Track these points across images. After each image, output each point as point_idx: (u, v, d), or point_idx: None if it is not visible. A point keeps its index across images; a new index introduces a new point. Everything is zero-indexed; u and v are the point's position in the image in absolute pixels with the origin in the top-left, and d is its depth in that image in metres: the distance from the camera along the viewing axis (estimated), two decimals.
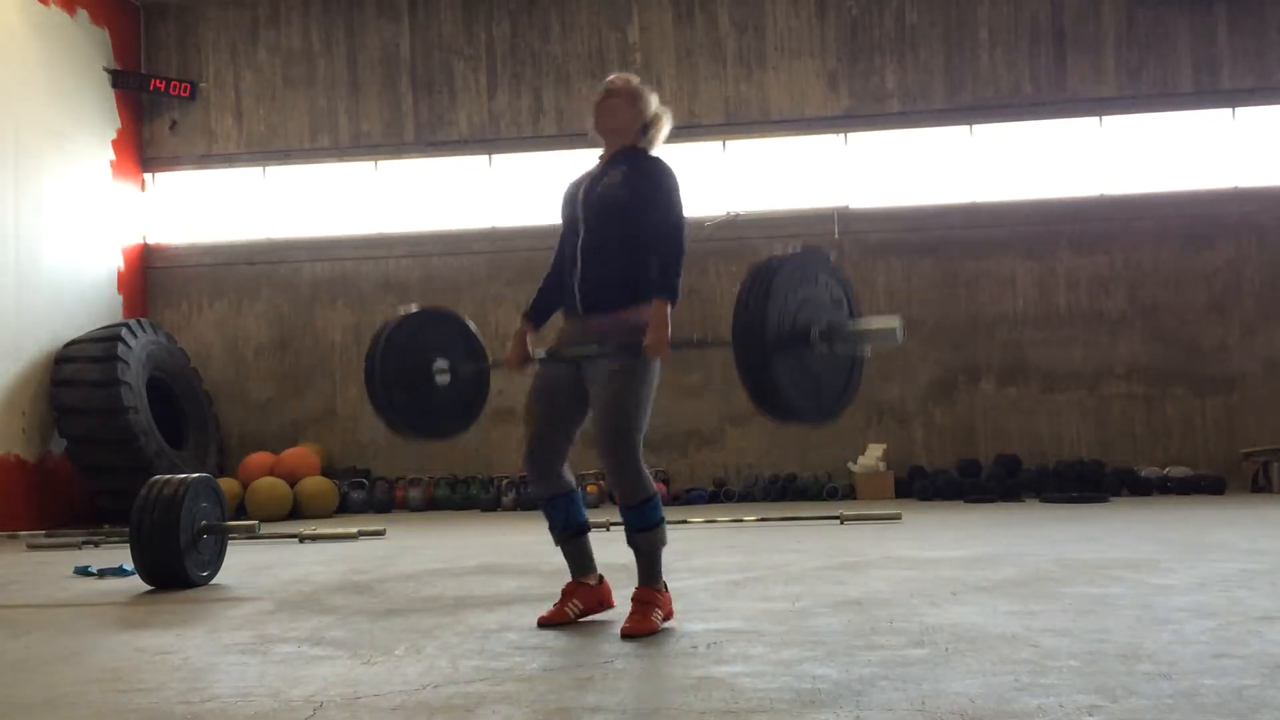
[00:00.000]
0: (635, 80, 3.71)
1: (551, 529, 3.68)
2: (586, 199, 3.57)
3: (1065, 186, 10.37)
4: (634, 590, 3.46)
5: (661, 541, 3.48)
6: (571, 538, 3.66)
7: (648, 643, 3.22)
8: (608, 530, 6.62)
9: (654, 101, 3.70)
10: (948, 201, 10.45)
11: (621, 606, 3.81)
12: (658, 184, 3.50)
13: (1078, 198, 10.32)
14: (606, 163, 3.64)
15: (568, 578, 3.75)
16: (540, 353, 3.66)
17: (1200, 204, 10.15)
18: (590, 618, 3.63)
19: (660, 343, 3.39)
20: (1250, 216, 10.12)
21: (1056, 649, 2.95)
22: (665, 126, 3.70)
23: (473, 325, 4.01)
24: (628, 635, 3.29)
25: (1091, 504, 8.60)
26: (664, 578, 3.53)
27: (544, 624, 3.57)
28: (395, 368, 3.72)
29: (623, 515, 3.48)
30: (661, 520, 3.48)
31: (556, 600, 3.68)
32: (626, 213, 3.49)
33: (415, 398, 3.77)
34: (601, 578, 3.74)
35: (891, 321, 3.21)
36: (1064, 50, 10.40)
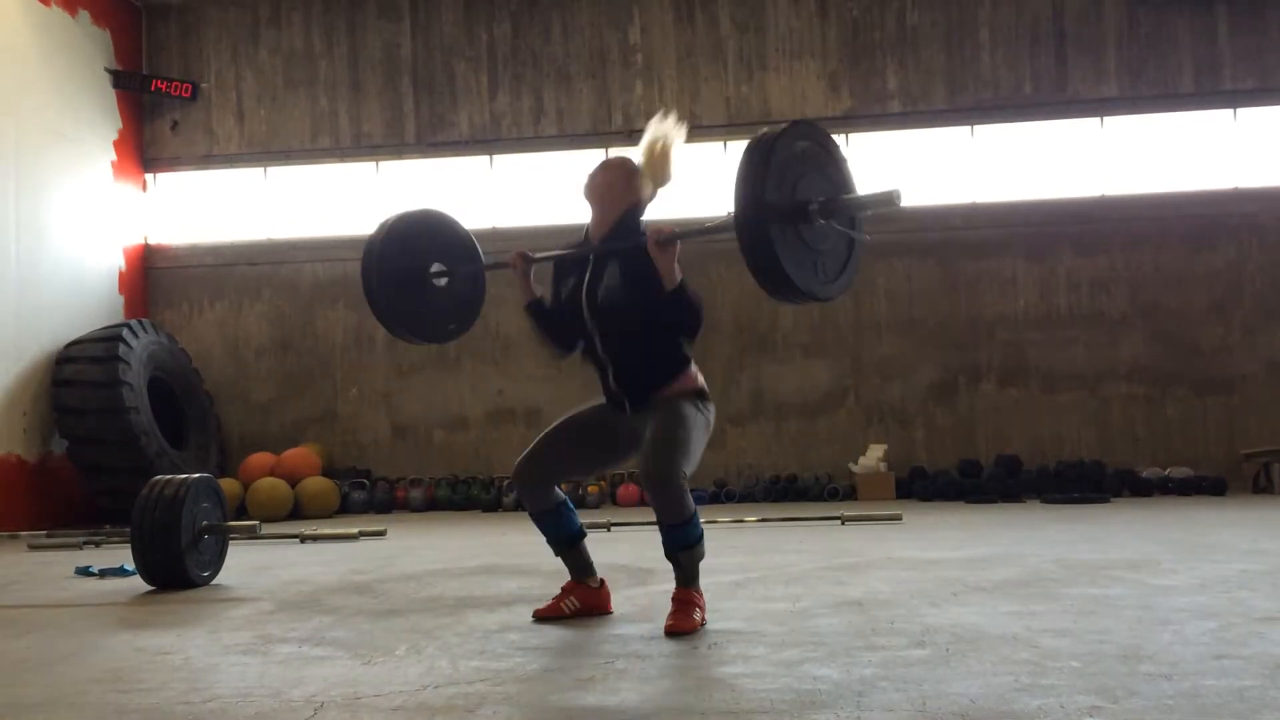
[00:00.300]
0: (632, 161, 3.64)
1: (547, 542, 3.71)
2: (590, 303, 3.50)
3: (1066, 187, 10.37)
4: (674, 591, 3.47)
5: (701, 555, 3.47)
6: (569, 547, 3.68)
7: (649, 644, 3.22)
8: (608, 530, 6.63)
9: (649, 188, 3.62)
10: (949, 202, 10.45)
11: (623, 607, 3.82)
12: (639, 265, 3.43)
13: (1079, 198, 10.32)
14: (600, 252, 3.53)
15: (565, 578, 3.77)
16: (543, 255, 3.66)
17: (1201, 205, 10.15)
18: (588, 618, 3.64)
19: (663, 229, 3.37)
20: (1251, 217, 10.12)
21: (1057, 650, 2.95)
22: (672, 167, 3.62)
23: (466, 228, 4.00)
24: (671, 633, 3.31)
25: (1092, 505, 8.60)
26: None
27: (539, 618, 3.60)
28: (392, 268, 3.72)
29: (662, 531, 3.43)
30: (701, 536, 3.45)
31: (555, 595, 3.70)
32: (634, 309, 3.45)
33: (413, 298, 3.78)
34: (603, 581, 3.76)
35: (889, 189, 3.18)
36: (1065, 51, 10.40)
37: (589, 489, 9.69)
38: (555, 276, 3.69)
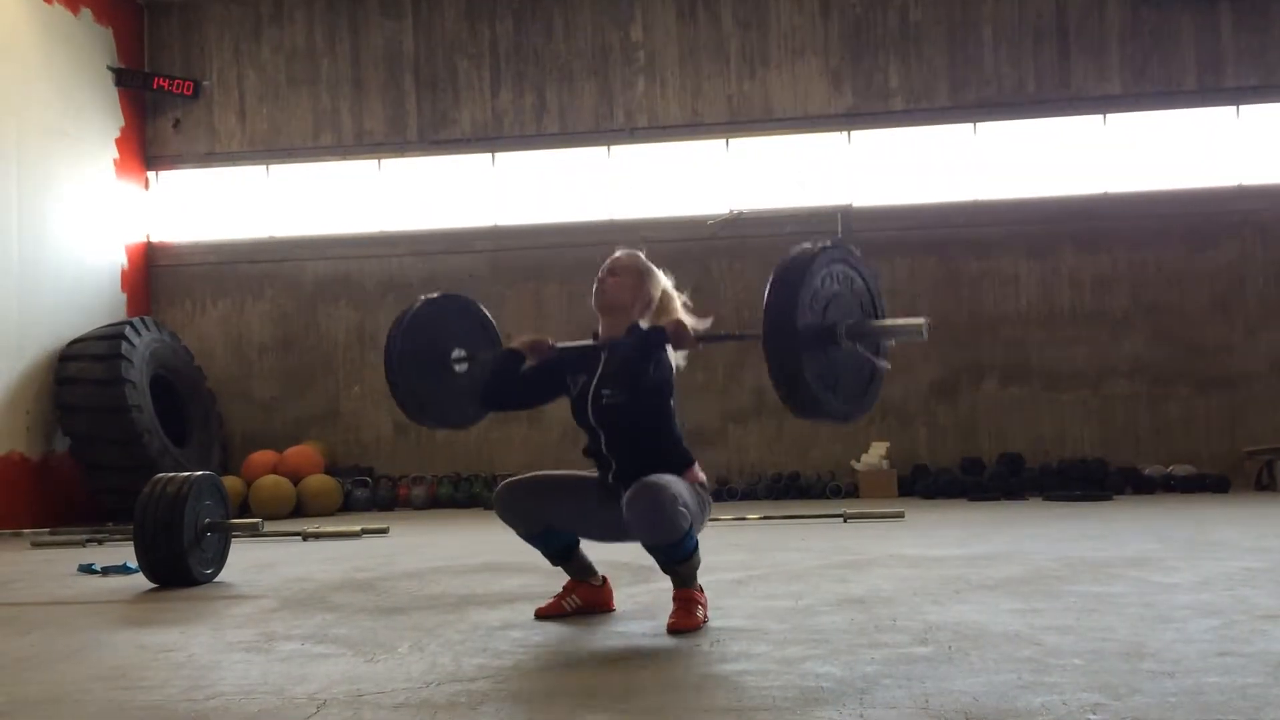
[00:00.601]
0: (643, 257, 3.60)
1: (544, 555, 3.70)
2: (595, 403, 3.47)
3: (1069, 185, 10.36)
4: (674, 590, 3.44)
5: (697, 563, 3.44)
6: (565, 558, 3.68)
7: (653, 641, 3.22)
8: None
9: (662, 281, 3.59)
10: (951, 200, 10.44)
11: (624, 605, 3.83)
12: (630, 357, 3.43)
13: (1081, 196, 10.31)
14: (605, 352, 3.50)
15: (567, 576, 3.77)
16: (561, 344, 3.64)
17: (1204, 202, 10.14)
18: (590, 616, 3.64)
19: (684, 329, 3.41)
20: (1254, 215, 10.10)
21: (1060, 647, 2.94)
22: (675, 309, 3.58)
23: (489, 315, 3.99)
24: (674, 631, 3.30)
25: (1095, 502, 8.59)
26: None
27: (541, 616, 3.60)
28: (414, 353, 3.73)
29: (657, 554, 3.38)
30: (696, 546, 3.39)
31: (556, 593, 3.70)
32: (635, 413, 3.44)
33: (433, 384, 3.78)
34: (605, 579, 3.76)
35: (916, 320, 3.22)
36: (1068, 48, 10.38)
37: None
38: (564, 361, 3.61)
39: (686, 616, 3.37)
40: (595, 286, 3.55)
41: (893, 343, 3.37)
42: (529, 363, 3.64)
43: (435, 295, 3.92)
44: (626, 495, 3.30)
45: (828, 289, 3.16)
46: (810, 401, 3.09)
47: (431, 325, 3.80)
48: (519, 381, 3.63)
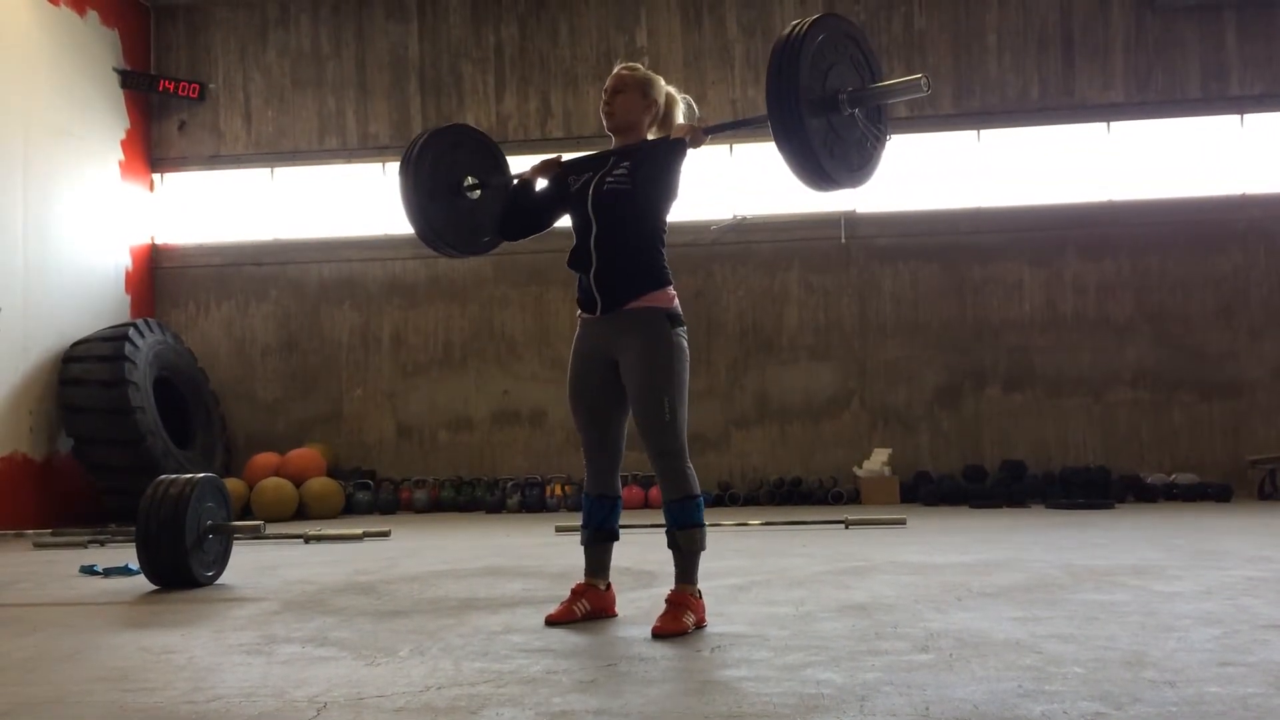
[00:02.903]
0: (643, 69, 3.69)
1: (585, 526, 3.71)
2: (595, 194, 3.57)
3: (1073, 192, 10.36)
4: (669, 592, 3.50)
5: (701, 544, 3.51)
6: (601, 541, 3.71)
7: (652, 647, 3.22)
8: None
9: (664, 88, 3.69)
10: (955, 206, 10.44)
11: (626, 610, 3.82)
12: (657, 158, 3.55)
13: (1085, 203, 10.31)
14: (617, 155, 3.63)
15: (572, 580, 3.77)
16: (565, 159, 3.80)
17: (1208, 210, 10.14)
18: (595, 621, 3.65)
19: (695, 132, 3.55)
20: (1258, 223, 10.10)
21: (1061, 655, 2.94)
22: (679, 113, 3.71)
23: (497, 145, 4.06)
24: (658, 634, 3.32)
25: (1097, 510, 8.58)
26: (699, 584, 3.55)
27: (551, 622, 3.60)
28: (427, 180, 3.77)
29: (665, 510, 3.51)
30: (703, 523, 3.51)
31: (564, 599, 3.70)
32: (635, 202, 3.52)
33: (446, 209, 3.82)
34: (609, 585, 3.76)
35: (915, 76, 3.31)
36: (1072, 56, 10.38)
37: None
38: (569, 170, 3.74)
39: (673, 621, 3.38)
40: (603, 108, 3.67)
41: (898, 100, 3.47)
42: (540, 184, 3.81)
43: (443, 126, 4.01)
44: (641, 431, 3.47)
45: (827, 59, 3.25)
46: (815, 168, 3.21)
47: (442, 153, 3.85)
48: (532, 205, 3.80)
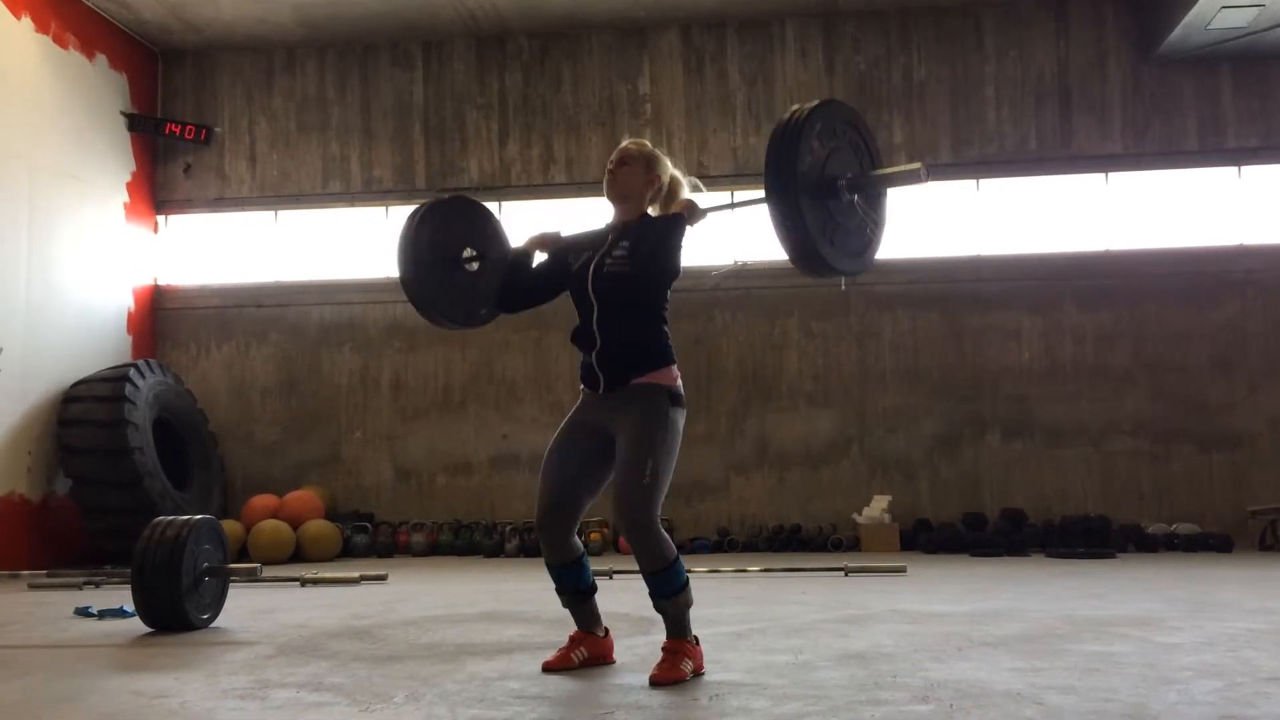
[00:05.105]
0: (649, 146, 3.70)
1: (560, 593, 3.68)
2: (596, 274, 3.55)
3: (1071, 242, 10.42)
4: (664, 641, 3.47)
5: (687, 603, 3.46)
6: (581, 600, 3.67)
7: (650, 695, 3.20)
8: (610, 578, 6.60)
9: (670, 169, 3.69)
10: (954, 255, 10.49)
11: (623, 657, 3.80)
12: (656, 236, 3.54)
13: (1083, 253, 10.37)
14: (616, 234, 3.62)
15: (569, 627, 3.75)
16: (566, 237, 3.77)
17: (1205, 261, 10.19)
18: (590, 668, 3.62)
19: (695, 207, 3.54)
20: (1255, 274, 10.15)
21: (1061, 707, 2.92)
22: (683, 193, 3.69)
23: (497, 218, 4.08)
24: (655, 683, 3.28)
25: (1098, 560, 8.54)
26: (693, 631, 3.52)
27: (548, 669, 3.57)
28: (426, 251, 3.78)
29: (646, 582, 3.45)
30: (686, 583, 3.45)
31: (562, 645, 3.67)
32: (636, 283, 3.52)
33: (444, 281, 3.83)
34: (607, 631, 3.74)
35: (914, 165, 3.32)
36: (1070, 108, 10.50)
37: (591, 536, 9.64)
38: (569, 249, 3.72)
39: (670, 669, 3.35)
40: (606, 178, 3.66)
41: (896, 187, 3.46)
42: (539, 257, 3.79)
43: (445, 196, 4.04)
44: (615, 502, 3.38)
45: (826, 144, 3.27)
46: (813, 255, 3.21)
47: (443, 225, 3.86)
48: (531, 279, 3.77)
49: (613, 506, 3.48)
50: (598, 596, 3.71)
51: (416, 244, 3.74)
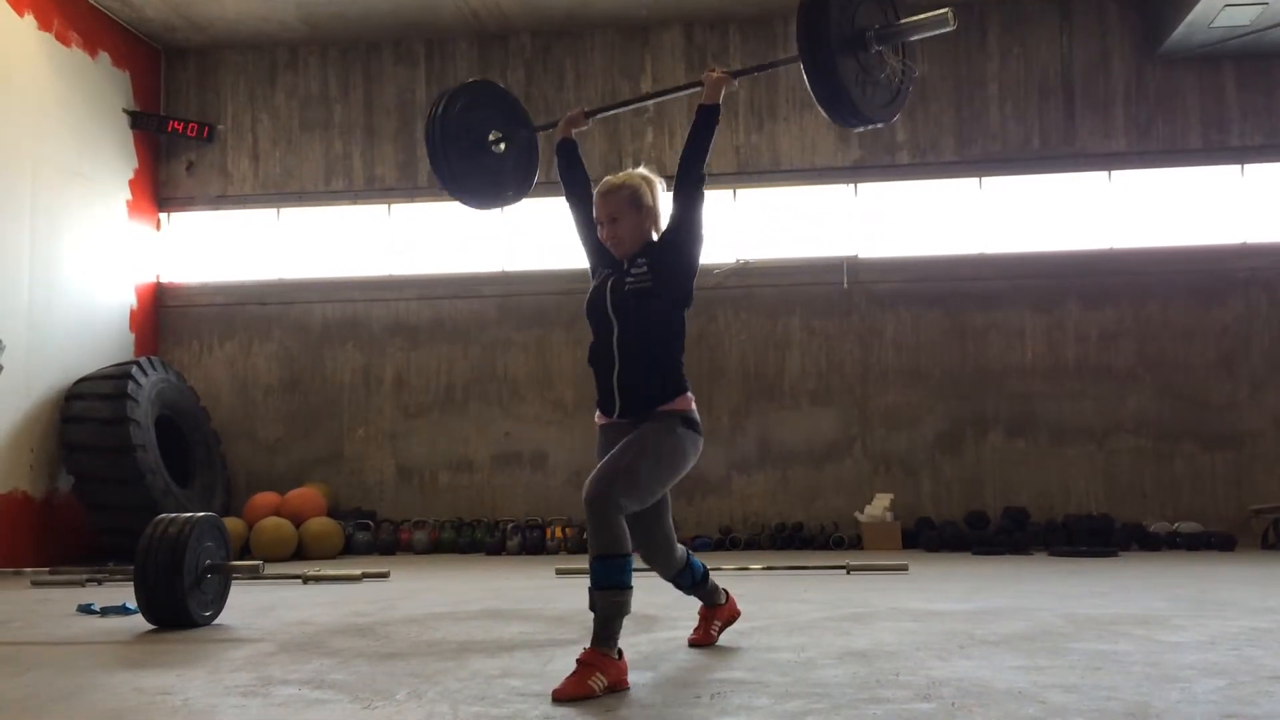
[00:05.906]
0: (621, 179, 3.66)
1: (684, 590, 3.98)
2: (615, 295, 3.56)
3: (1074, 240, 10.41)
4: (583, 650, 3.24)
5: (620, 607, 3.25)
6: (699, 587, 3.96)
7: (651, 691, 3.19)
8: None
9: (646, 186, 3.68)
10: (957, 253, 10.48)
11: (624, 655, 3.79)
12: (674, 232, 3.62)
13: (1087, 251, 10.36)
14: (628, 261, 3.63)
15: (571, 624, 3.74)
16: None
17: (1209, 259, 10.18)
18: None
19: (719, 79, 3.65)
20: (1259, 272, 10.14)
21: (1064, 705, 2.91)
22: (659, 191, 3.74)
23: (520, 101, 4.16)
24: (557, 699, 3.02)
25: (1100, 558, 8.53)
26: (619, 644, 3.30)
27: (694, 644, 3.96)
28: (454, 133, 3.83)
29: (589, 567, 3.28)
30: (624, 586, 3.24)
31: (698, 625, 4.04)
32: (658, 300, 3.53)
33: (472, 162, 3.89)
34: (727, 593, 4.11)
35: (940, 10, 3.43)
36: (1073, 106, 10.48)
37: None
38: (594, 261, 3.78)
39: (575, 684, 3.08)
40: (606, 240, 3.66)
41: (923, 36, 3.55)
42: (567, 123, 3.98)
43: (471, 80, 4.10)
44: (594, 471, 3.37)
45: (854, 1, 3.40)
46: (847, 103, 3.34)
47: (469, 107, 3.92)
48: (579, 166, 3.95)
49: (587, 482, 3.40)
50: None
51: (445, 123, 3.80)
